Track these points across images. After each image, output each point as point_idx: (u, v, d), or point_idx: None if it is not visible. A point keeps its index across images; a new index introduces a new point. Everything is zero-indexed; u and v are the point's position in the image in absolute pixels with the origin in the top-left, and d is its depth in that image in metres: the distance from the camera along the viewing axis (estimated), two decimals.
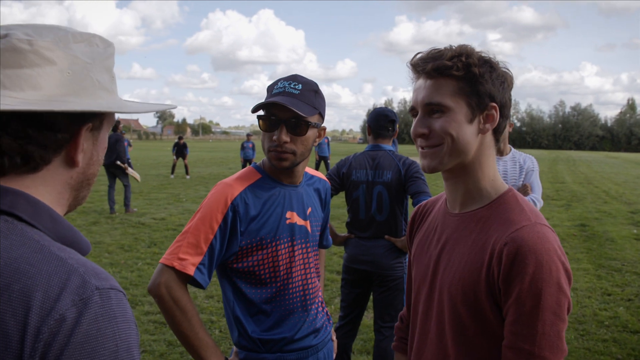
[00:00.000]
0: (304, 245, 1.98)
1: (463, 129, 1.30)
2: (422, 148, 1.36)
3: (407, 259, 3.52)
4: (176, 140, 21.12)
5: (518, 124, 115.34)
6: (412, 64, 1.37)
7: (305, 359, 1.99)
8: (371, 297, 3.85)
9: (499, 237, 1.25)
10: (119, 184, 12.07)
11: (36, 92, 0.83)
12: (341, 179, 3.78)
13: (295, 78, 1.88)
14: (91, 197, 13.80)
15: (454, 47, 1.33)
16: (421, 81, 1.34)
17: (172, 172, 20.92)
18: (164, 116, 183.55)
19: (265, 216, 1.88)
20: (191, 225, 1.81)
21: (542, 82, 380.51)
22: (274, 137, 1.82)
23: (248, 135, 21.28)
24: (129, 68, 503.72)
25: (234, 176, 1.93)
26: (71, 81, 0.87)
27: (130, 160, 11.51)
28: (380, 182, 3.62)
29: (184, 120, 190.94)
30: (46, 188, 0.89)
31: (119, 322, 0.79)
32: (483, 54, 1.33)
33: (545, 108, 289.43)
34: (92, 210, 11.88)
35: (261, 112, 1.86)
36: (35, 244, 0.81)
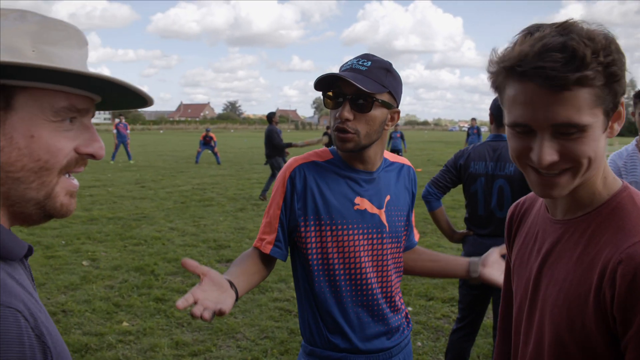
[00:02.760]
0: (376, 237, 1.82)
1: (600, 143, 1.03)
2: (541, 174, 1.06)
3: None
4: (325, 130, 21.81)
5: None
6: (515, 67, 1.00)
7: None
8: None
9: (611, 253, 1.00)
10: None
11: None
12: (458, 171, 3.54)
13: (366, 56, 1.75)
14: (242, 185, 14.55)
15: (584, 40, 0.95)
16: (534, 88, 0.98)
17: None
18: (320, 107, 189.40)
19: (329, 197, 1.78)
20: (268, 205, 1.87)
21: None
22: (337, 114, 1.71)
23: (395, 125, 21.18)
24: (289, 60, 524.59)
25: (306, 153, 1.88)
26: None
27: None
28: (501, 176, 3.32)
29: None
30: None
31: None
32: (608, 34, 0.99)
33: None
34: (241, 197, 12.48)
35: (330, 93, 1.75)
36: None
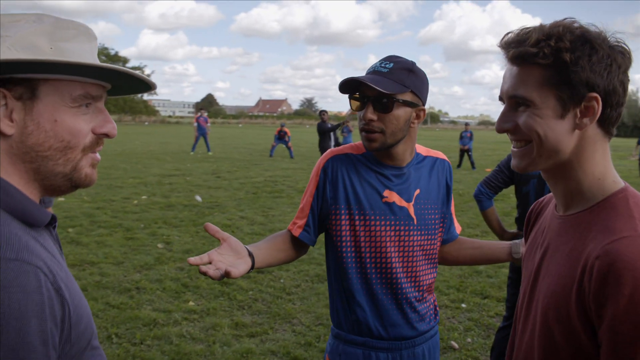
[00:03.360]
0: (404, 228, 1.86)
1: (551, 126, 1.10)
2: (513, 146, 1.20)
3: None
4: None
5: None
6: (500, 47, 1.17)
7: (397, 350, 1.88)
8: None
9: (593, 248, 1.04)
10: None
11: None
12: (511, 172, 3.51)
13: (389, 58, 1.81)
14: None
15: (544, 27, 1.10)
16: (508, 67, 1.16)
17: None
18: None
19: (359, 190, 1.85)
20: (304, 192, 1.97)
21: None
22: (362, 115, 1.78)
23: (466, 124, 20.69)
24: (365, 59, 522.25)
25: (343, 146, 1.96)
26: None
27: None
28: None
29: None
30: None
31: (13, 291, 0.82)
32: (584, 31, 1.08)
33: None
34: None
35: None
36: None
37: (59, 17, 1.01)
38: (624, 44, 1.10)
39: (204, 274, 1.44)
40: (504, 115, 1.17)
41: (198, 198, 10.72)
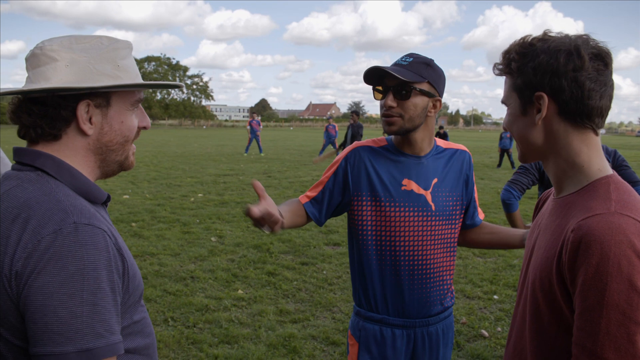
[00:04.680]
0: (421, 215, 1.91)
1: (517, 122, 1.26)
2: None
3: None
4: (437, 130, 21.37)
5: None
6: None
7: (411, 328, 1.94)
8: None
9: (572, 224, 1.12)
10: None
11: (47, 82, 1.07)
12: (540, 173, 3.47)
13: (410, 54, 1.90)
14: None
15: (511, 44, 1.26)
16: None
17: None
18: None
19: (380, 178, 1.91)
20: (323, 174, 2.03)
21: None
22: (383, 103, 1.86)
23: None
24: None
25: (365, 140, 2.04)
26: (73, 72, 1.08)
27: None
28: None
29: (457, 111, 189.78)
30: (71, 151, 1.14)
31: (89, 248, 0.99)
32: (535, 42, 1.20)
33: None
34: None
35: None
36: (49, 190, 1.06)
37: (115, 38, 1.18)
38: (574, 48, 1.14)
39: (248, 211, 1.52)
40: (505, 118, 1.32)
41: None
